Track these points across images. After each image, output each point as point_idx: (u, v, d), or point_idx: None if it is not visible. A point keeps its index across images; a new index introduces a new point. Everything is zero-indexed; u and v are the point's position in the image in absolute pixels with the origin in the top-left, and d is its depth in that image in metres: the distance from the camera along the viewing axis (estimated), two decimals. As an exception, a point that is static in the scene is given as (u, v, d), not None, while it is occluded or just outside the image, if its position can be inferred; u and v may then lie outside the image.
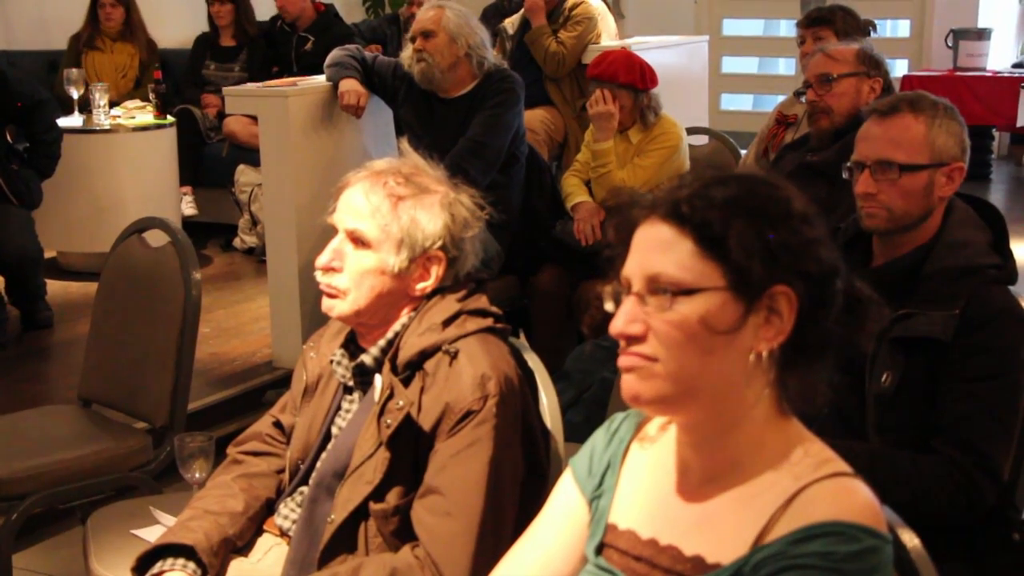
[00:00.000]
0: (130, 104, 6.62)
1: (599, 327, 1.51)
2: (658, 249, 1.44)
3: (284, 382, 3.49)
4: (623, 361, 1.45)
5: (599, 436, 1.68)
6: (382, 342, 2.17)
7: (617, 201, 1.55)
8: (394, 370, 2.11)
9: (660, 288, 1.43)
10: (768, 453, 1.46)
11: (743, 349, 1.43)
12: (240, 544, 2.25)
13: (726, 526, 1.46)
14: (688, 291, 1.41)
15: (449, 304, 2.15)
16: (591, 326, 1.60)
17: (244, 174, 6.66)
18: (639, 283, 1.45)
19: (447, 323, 2.12)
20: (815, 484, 1.42)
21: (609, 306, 1.50)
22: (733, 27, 10.83)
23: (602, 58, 4.76)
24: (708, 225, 1.42)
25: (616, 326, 1.45)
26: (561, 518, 1.66)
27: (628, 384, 1.46)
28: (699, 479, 1.51)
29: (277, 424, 2.41)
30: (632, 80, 4.61)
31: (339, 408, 2.25)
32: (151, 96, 6.46)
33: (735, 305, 1.42)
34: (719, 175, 1.48)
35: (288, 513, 2.25)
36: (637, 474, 1.60)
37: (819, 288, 1.43)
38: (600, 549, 1.59)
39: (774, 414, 1.48)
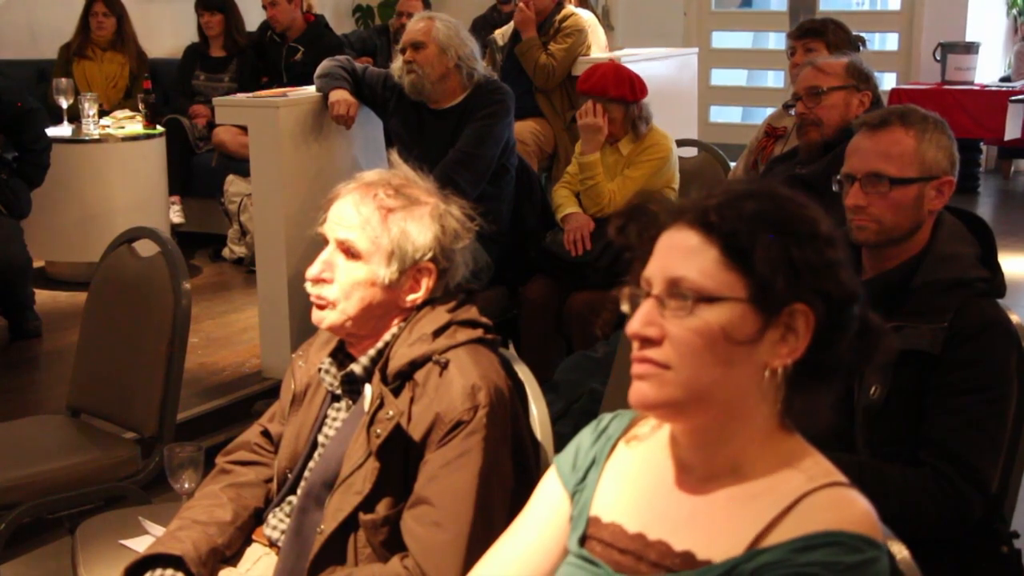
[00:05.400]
0: (119, 114, 6.63)
1: (604, 329, 1.50)
2: (683, 254, 1.45)
3: (273, 392, 3.49)
4: (636, 369, 1.45)
5: (585, 434, 1.69)
6: (372, 352, 2.17)
7: (643, 203, 1.54)
8: (384, 380, 2.11)
9: (681, 293, 1.43)
10: (768, 460, 1.47)
11: (757, 363, 1.44)
12: (229, 554, 2.24)
13: (720, 524, 1.46)
14: (709, 299, 1.42)
15: (439, 315, 2.15)
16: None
17: (233, 184, 6.67)
18: (660, 286, 1.45)
19: (437, 334, 2.12)
20: (816, 492, 1.43)
21: (625, 307, 1.50)
22: (722, 39, 10.85)
23: (591, 72, 4.76)
24: (735, 235, 1.42)
25: (633, 327, 1.45)
26: (543, 512, 1.67)
27: (638, 389, 1.45)
28: (696, 477, 1.51)
29: (265, 433, 2.41)
30: (622, 93, 4.61)
31: (326, 417, 2.25)
32: (140, 106, 6.46)
33: (754, 318, 1.42)
34: (748, 188, 1.48)
35: (277, 523, 2.25)
36: (624, 470, 1.61)
37: (837, 311, 1.44)
38: (583, 541, 1.59)
39: (776, 428, 1.49)
